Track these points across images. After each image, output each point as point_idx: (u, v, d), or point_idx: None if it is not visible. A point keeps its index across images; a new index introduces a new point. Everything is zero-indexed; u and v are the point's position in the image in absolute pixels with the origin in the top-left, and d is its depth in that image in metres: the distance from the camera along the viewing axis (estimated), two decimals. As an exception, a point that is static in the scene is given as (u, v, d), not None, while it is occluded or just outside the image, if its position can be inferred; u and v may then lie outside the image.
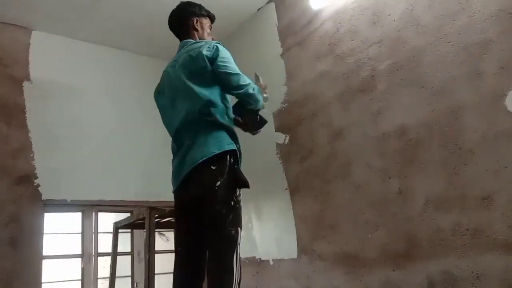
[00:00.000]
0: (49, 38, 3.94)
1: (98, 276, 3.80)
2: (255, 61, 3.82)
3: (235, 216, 1.83)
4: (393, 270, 2.52)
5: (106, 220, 4.13)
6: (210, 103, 1.90)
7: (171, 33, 2.28)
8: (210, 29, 2.27)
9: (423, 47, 2.49)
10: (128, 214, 3.77)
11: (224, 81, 1.95)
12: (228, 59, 1.98)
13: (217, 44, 2.00)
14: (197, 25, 2.19)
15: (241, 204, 1.89)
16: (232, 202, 1.83)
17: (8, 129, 3.50)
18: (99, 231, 3.93)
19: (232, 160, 1.88)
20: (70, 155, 3.76)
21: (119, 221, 2.96)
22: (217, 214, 1.80)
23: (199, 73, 1.95)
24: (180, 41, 2.20)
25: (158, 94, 2.19)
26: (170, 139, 2.29)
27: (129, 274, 4.14)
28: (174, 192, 2.01)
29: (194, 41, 2.13)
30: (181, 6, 2.23)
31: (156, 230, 2.69)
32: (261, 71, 3.73)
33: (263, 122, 2.17)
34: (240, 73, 1.97)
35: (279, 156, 3.51)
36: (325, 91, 3.11)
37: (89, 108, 4.02)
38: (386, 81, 2.68)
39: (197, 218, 1.87)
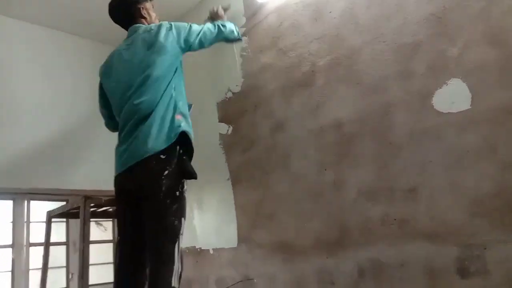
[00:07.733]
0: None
1: (30, 267, 3.65)
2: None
3: (179, 206, 1.82)
4: (327, 258, 2.63)
5: (42, 209, 3.96)
6: (167, 92, 1.89)
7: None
8: (153, 7, 2.25)
9: (360, 45, 2.59)
10: (64, 203, 3.64)
11: (201, 41, 2.23)
12: (184, 27, 2.13)
13: (170, 23, 2.07)
14: (144, 13, 2.13)
15: (186, 195, 1.89)
16: (178, 193, 1.82)
17: None
18: (32, 220, 3.76)
19: (181, 150, 1.86)
20: (-1, 139, 3.56)
21: (53, 210, 2.87)
22: (161, 204, 1.78)
23: (162, 59, 1.94)
24: (127, 29, 2.14)
25: (106, 76, 2.10)
26: (107, 125, 2.24)
27: (65, 264, 4.02)
28: (116, 177, 1.95)
29: (145, 25, 2.10)
30: None
31: (92, 219, 2.63)
32: (206, 61, 3.74)
33: None
34: (199, 28, 2.24)
35: (222, 146, 3.53)
36: (268, 84, 3.16)
37: (21, 90, 3.78)
38: (325, 76, 2.77)
39: (140, 207, 1.84)
